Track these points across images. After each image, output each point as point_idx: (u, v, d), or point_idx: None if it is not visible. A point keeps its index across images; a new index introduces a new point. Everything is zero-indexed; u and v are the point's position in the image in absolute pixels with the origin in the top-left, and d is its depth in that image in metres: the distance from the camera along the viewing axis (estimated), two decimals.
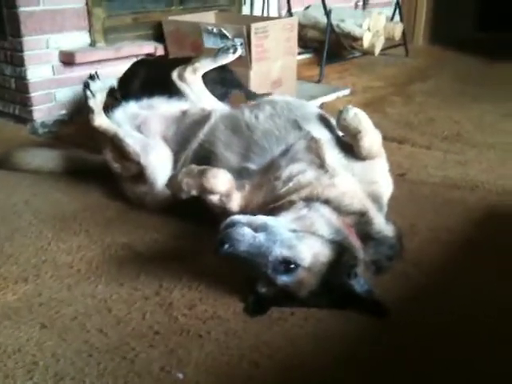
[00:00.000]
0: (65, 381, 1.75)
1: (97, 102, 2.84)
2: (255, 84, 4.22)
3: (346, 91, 5.19)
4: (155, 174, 2.76)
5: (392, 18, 6.88)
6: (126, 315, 2.06)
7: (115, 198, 2.99)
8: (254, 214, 2.08)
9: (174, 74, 3.24)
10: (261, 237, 1.93)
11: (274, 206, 2.23)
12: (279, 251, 1.93)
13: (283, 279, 1.95)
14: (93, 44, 4.34)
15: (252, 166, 2.44)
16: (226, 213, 2.33)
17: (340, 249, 2.02)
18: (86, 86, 2.81)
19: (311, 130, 2.42)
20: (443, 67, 6.43)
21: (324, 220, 2.09)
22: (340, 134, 2.45)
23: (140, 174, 2.81)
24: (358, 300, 2.04)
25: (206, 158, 2.58)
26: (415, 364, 1.86)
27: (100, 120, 2.88)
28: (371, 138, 2.29)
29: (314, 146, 2.33)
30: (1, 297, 2.15)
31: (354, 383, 1.79)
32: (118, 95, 3.34)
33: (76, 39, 4.26)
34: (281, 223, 2.03)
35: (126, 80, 3.84)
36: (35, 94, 4.15)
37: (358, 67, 6.19)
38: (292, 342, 1.94)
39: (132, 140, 2.80)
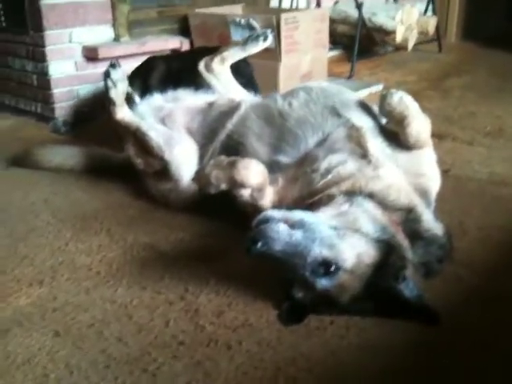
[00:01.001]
0: None
1: (118, 92, 2.66)
2: (284, 77, 4.02)
3: (379, 87, 4.95)
4: (180, 169, 2.57)
5: (425, 13, 6.61)
6: (147, 322, 1.87)
7: (138, 197, 2.81)
8: (289, 210, 1.87)
9: (201, 65, 3.05)
10: (298, 234, 1.72)
11: (310, 201, 2.02)
12: (319, 251, 1.72)
13: (323, 283, 1.74)
14: (117, 38, 4.19)
15: (283, 159, 2.24)
16: (258, 210, 2.13)
17: (387, 248, 1.79)
18: (107, 75, 2.64)
19: (351, 117, 2.20)
20: (478, 63, 6.16)
21: (368, 216, 1.87)
22: (383, 121, 2.22)
23: (164, 170, 2.62)
24: (407, 306, 1.81)
25: (235, 150, 2.37)
26: (471, 374, 1.64)
27: (122, 113, 2.71)
28: (419, 124, 2.07)
29: (354, 135, 2.11)
30: (13, 301, 1.98)
31: None
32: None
33: (99, 33, 4.12)
34: (320, 219, 1.82)
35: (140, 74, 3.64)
36: (57, 91, 4.01)
37: (389, 63, 5.94)
38: (333, 353, 1.72)
39: (155, 133, 2.62)
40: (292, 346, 1.75)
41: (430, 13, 6.62)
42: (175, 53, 4.27)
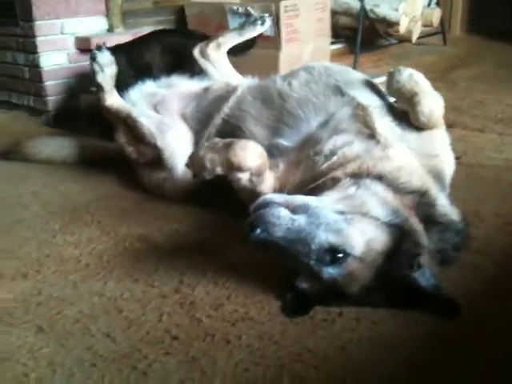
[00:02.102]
0: None
1: (106, 77, 2.52)
2: (285, 67, 3.85)
3: (384, 78, 4.78)
4: (174, 157, 2.42)
5: (428, 5, 6.45)
6: (138, 317, 1.71)
7: (132, 188, 2.67)
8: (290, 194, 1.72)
9: (196, 51, 2.92)
10: (301, 219, 1.56)
11: (314, 185, 1.86)
12: (324, 237, 1.56)
13: (330, 271, 1.58)
14: (111, 29, 4.04)
15: (284, 142, 2.08)
16: (257, 197, 1.98)
17: (399, 234, 1.64)
18: (93, 58, 2.49)
19: (356, 95, 2.05)
20: (484, 55, 6.03)
21: (378, 199, 1.71)
22: (391, 100, 2.06)
23: (157, 159, 2.47)
24: (424, 296, 1.65)
25: (232, 135, 2.20)
26: (490, 369, 1.48)
27: (111, 99, 2.57)
28: (431, 102, 1.91)
29: (361, 114, 1.96)
30: None
31: None
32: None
33: (93, 24, 3.97)
34: (325, 203, 1.66)
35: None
36: (49, 84, 3.87)
37: (393, 56, 5.80)
38: (342, 348, 1.56)
39: (147, 120, 2.47)
40: (297, 340, 1.59)
41: (433, 5, 6.46)
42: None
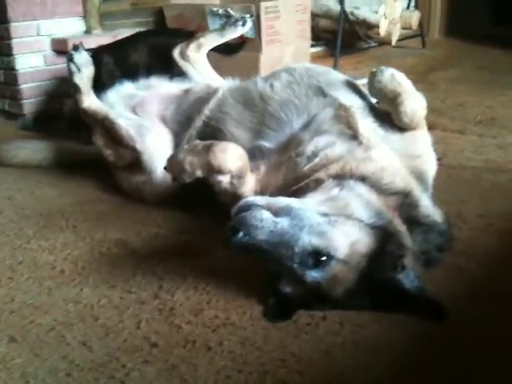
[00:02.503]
0: None
1: (83, 78, 2.45)
2: (266, 69, 3.81)
3: (364, 80, 4.77)
4: (153, 160, 2.37)
5: (408, 7, 6.49)
6: (116, 324, 1.65)
7: (110, 192, 2.61)
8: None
9: (176, 52, 2.87)
10: (284, 222, 1.52)
11: (296, 187, 1.82)
12: (307, 240, 1.52)
13: (313, 275, 1.54)
14: (88, 31, 3.98)
15: (266, 144, 2.04)
16: (238, 200, 1.93)
17: (383, 235, 1.61)
18: (70, 59, 2.43)
19: (338, 96, 2.01)
20: (463, 58, 6.06)
21: (361, 200, 1.68)
22: (373, 101, 2.04)
23: (136, 162, 2.41)
24: (408, 299, 1.62)
25: (213, 137, 2.15)
26: (481, 369, 1.45)
27: (89, 101, 2.50)
28: (414, 102, 1.89)
29: (343, 115, 1.93)
30: None
31: None
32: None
33: (69, 26, 3.90)
34: (308, 205, 1.63)
35: None
36: (25, 87, 3.79)
37: (373, 58, 5.79)
38: (327, 353, 1.52)
39: (125, 122, 2.42)
40: (280, 345, 1.54)
41: (412, 8, 6.50)
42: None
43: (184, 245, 2.12)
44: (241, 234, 1.46)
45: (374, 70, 1.97)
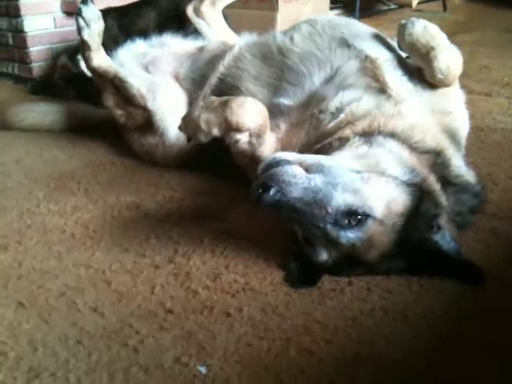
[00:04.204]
0: (41, 378, 1.26)
1: (92, 33, 2.32)
2: (283, 29, 3.66)
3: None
4: (165, 120, 2.25)
5: None
6: (129, 289, 1.56)
7: (122, 154, 2.52)
8: None
9: (189, 9, 2.73)
10: (317, 179, 1.40)
11: (319, 146, 1.69)
12: (341, 198, 1.40)
13: (349, 236, 1.41)
14: None
15: (286, 101, 1.91)
16: (258, 161, 1.82)
17: (419, 193, 1.48)
18: (78, 13, 2.30)
19: (364, 47, 1.87)
20: (486, 21, 5.88)
21: (394, 157, 1.55)
22: (403, 54, 1.89)
23: (148, 122, 2.30)
24: (446, 261, 1.50)
25: (229, 95, 2.02)
26: None
27: (99, 58, 2.38)
28: (449, 57, 1.74)
29: (369, 67, 1.79)
30: None
31: (448, 373, 1.25)
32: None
33: None
34: (338, 162, 1.50)
35: None
36: (34, 49, 3.67)
37: (393, 21, 5.59)
38: (354, 320, 1.42)
39: (136, 80, 2.29)
40: (303, 312, 1.44)
41: None
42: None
43: (200, 207, 2.01)
44: (272, 191, 1.34)
45: (404, 21, 1.82)
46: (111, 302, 1.51)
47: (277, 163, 1.40)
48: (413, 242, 1.46)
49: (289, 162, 1.40)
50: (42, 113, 2.82)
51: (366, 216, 1.40)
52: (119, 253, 1.73)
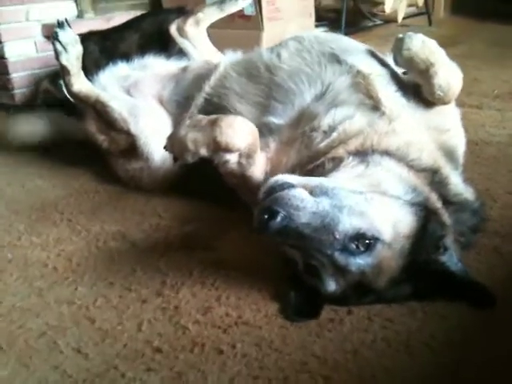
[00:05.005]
0: None
1: (71, 58, 2.25)
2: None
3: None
4: (149, 144, 2.18)
5: None
6: (114, 327, 1.46)
7: (107, 181, 2.43)
8: None
9: (172, 28, 2.66)
10: (324, 202, 1.31)
11: (313, 166, 1.61)
12: (348, 222, 1.31)
13: (359, 262, 1.32)
14: (80, 15, 3.79)
15: (275, 120, 1.84)
16: (248, 182, 1.75)
17: (424, 213, 1.41)
18: (55, 37, 2.22)
19: (355, 62, 1.80)
20: (472, 34, 5.88)
21: (393, 176, 1.48)
22: (398, 70, 1.83)
23: (132, 147, 2.23)
24: (455, 283, 1.42)
25: None
26: None
27: (79, 83, 2.30)
28: (449, 73, 1.68)
29: (362, 83, 1.72)
30: None
31: None
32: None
33: (61, 10, 3.72)
34: (340, 183, 1.41)
35: None
36: (16, 75, 3.60)
37: (379, 37, 5.57)
38: (354, 353, 1.33)
39: (118, 104, 2.22)
40: (301, 346, 1.35)
41: None
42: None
43: (188, 236, 1.92)
44: (280, 217, 1.25)
45: (401, 35, 1.75)
46: (95, 341, 1.42)
47: (280, 186, 1.31)
48: (420, 264, 1.38)
49: (293, 185, 1.31)
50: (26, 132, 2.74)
51: (375, 240, 1.32)
52: (104, 287, 1.64)
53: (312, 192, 1.32)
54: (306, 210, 1.26)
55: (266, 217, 1.25)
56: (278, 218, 1.24)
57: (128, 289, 1.62)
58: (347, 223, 1.30)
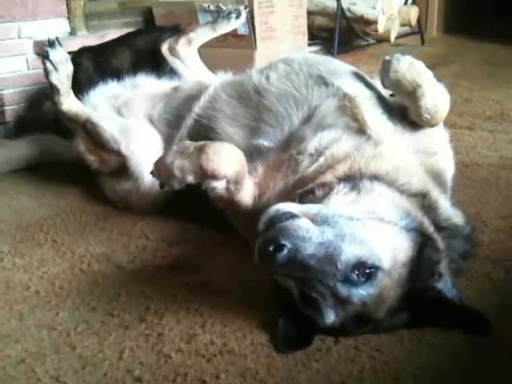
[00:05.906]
0: None
1: (61, 77, 2.23)
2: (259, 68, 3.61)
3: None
4: (140, 164, 2.15)
5: (405, 3, 6.30)
6: (95, 355, 1.42)
7: (94, 202, 2.39)
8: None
9: (164, 48, 2.65)
10: (327, 232, 1.28)
11: (302, 191, 1.58)
12: (350, 251, 1.28)
13: (361, 293, 1.28)
14: (73, 32, 3.76)
15: (264, 143, 1.82)
16: (236, 207, 1.72)
17: (420, 239, 1.39)
18: (45, 56, 2.20)
19: (342, 85, 1.79)
20: (465, 53, 5.91)
21: (387, 201, 1.46)
22: (384, 92, 1.82)
23: (122, 167, 2.20)
24: (450, 310, 1.39)
25: (205, 137, 1.94)
26: None
27: (69, 102, 2.28)
28: (437, 95, 1.67)
29: (348, 105, 1.71)
30: None
31: None
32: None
33: (53, 27, 3.67)
34: (337, 211, 1.38)
35: None
36: (7, 92, 3.55)
37: (372, 56, 5.59)
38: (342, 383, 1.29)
39: (109, 124, 2.20)
40: (287, 377, 1.31)
41: (409, 4, 6.31)
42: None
43: (174, 258, 1.89)
44: (287, 249, 1.21)
45: (388, 57, 1.74)
46: (75, 369, 1.38)
47: (282, 216, 1.27)
48: (417, 292, 1.36)
49: (296, 215, 1.28)
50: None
51: (376, 268, 1.29)
52: (86, 312, 1.60)
53: (313, 220, 1.29)
54: (311, 240, 1.23)
55: (271, 249, 1.20)
56: (285, 251, 1.20)
57: (111, 314, 1.58)
58: (349, 252, 1.27)
